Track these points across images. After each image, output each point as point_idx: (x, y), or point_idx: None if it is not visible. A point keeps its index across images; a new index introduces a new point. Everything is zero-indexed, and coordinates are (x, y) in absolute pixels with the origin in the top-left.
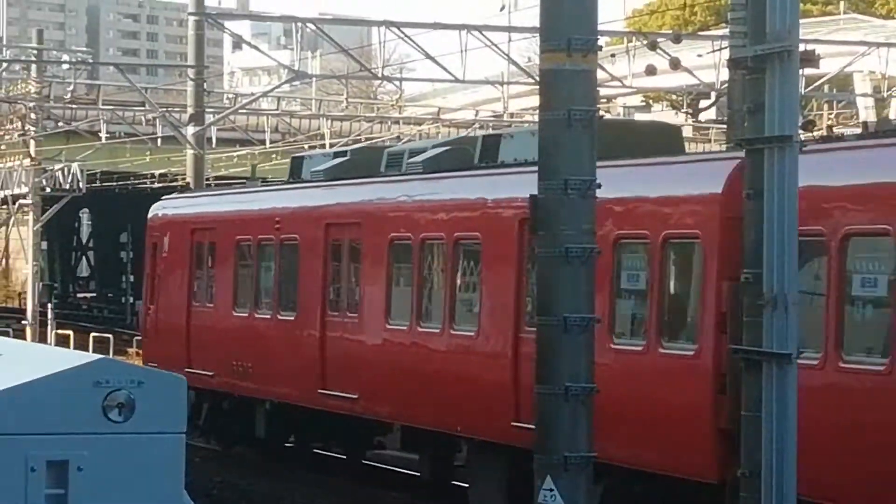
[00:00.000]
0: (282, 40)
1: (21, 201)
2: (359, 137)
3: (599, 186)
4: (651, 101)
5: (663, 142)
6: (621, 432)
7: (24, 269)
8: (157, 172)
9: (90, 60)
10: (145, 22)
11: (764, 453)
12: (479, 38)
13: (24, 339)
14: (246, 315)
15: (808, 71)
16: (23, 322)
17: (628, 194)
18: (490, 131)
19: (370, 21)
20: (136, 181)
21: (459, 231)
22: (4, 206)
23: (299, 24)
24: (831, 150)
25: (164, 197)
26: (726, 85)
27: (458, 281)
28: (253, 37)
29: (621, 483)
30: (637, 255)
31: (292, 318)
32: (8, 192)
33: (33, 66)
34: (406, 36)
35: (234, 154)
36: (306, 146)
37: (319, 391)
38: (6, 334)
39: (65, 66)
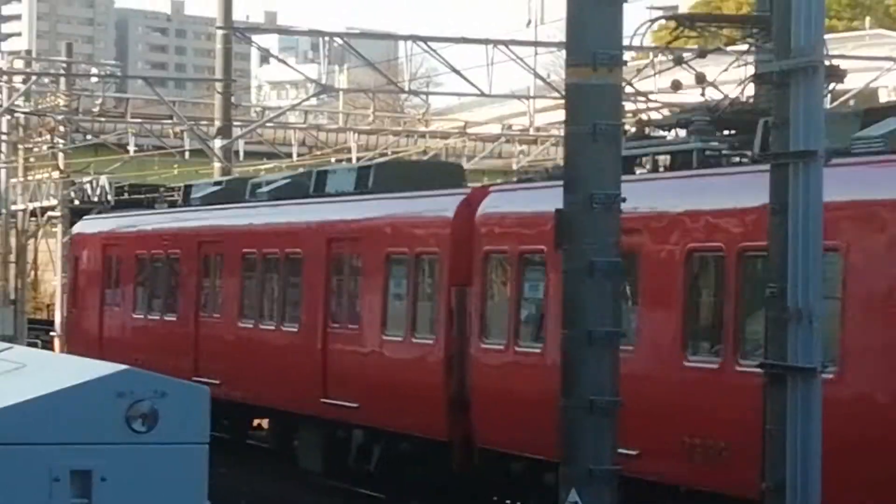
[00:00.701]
0: (309, 54)
1: (50, 213)
2: (385, 151)
3: (624, 200)
4: None
5: (446, 178)
6: None
7: (53, 281)
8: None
9: (119, 74)
10: (173, 36)
11: (788, 467)
12: (506, 52)
13: (53, 350)
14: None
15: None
16: (51, 333)
17: None
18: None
19: (397, 35)
20: (164, 194)
21: (288, 248)
22: (33, 219)
23: (326, 39)
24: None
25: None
26: (751, 99)
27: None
28: (280, 51)
29: None
30: None
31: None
32: (37, 205)
33: (62, 80)
34: (433, 50)
35: (262, 167)
36: (333, 159)
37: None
38: (35, 345)
39: (94, 80)
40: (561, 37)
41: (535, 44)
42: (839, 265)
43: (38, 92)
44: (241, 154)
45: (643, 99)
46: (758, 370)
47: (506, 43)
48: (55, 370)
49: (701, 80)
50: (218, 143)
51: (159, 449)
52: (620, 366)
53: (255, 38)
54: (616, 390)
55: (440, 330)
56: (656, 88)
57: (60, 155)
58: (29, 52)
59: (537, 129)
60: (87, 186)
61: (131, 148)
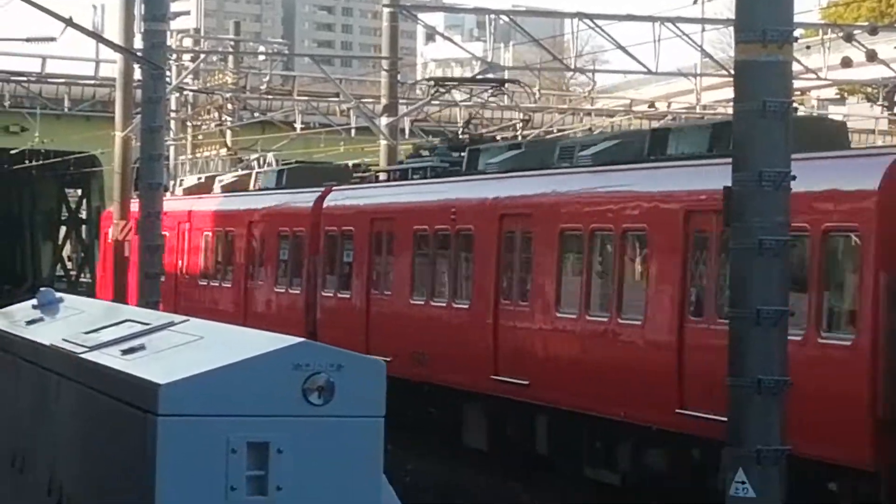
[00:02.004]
0: (475, 32)
1: None
2: (550, 129)
3: (794, 178)
4: (846, 94)
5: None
6: None
7: None
8: (350, 163)
9: (286, 52)
10: (340, 14)
11: None
12: (672, 29)
13: None
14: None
15: None
16: None
17: None
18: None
19: (563, 13)
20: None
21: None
22: None
23: (492, 16)
24: None
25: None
26: None
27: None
28: (446, 28)
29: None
30: None
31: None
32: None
33: (230, 58)
34: (599, 27)
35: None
36: (499, 137)
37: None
38: None
39: (261, 58)
40: (728, 14)
41: (703, 21)
42: None
43: (206, 70)
44: (407, 132)
45: (813, 76)
46: None
47: (673, 20)
48: (232, 342)
49: (872, 57)
50: (384, 121)
51: (335, 422)
52: None
53: (421, 15)
54: (784, 370)
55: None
56: (825, 65)
57: (228, 132)
58: (197, 30)
59: (703, 107)
60: (255, 163)
61: (298, 125)
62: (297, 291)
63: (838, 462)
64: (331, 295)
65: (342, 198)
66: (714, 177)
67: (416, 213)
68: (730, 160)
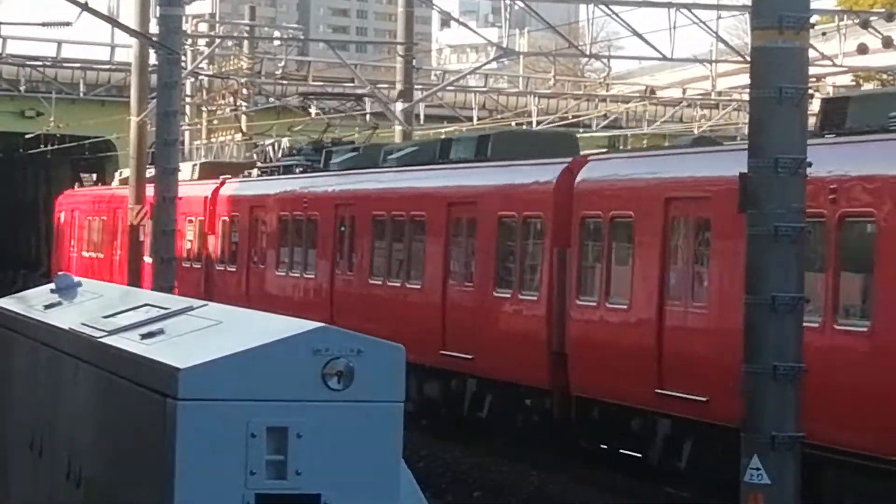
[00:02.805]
0: (490, 17)
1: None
2: (566, 115)
3: (810, 165)
4: (861, 81)
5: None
6: None
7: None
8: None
9: (301, 37)
10: None
11: None
12: (688, 15)
13: None
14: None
15: None
16: None
17: None
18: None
19: None
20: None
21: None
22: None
23: (508, 2)
24: None
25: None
26: None
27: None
28: (461, 14)
29: None
30: None
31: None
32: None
33: (245, 43)
34: (614, 13)
35: (442, 130)
36: (513, 123)
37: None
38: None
39: (276, 43)
40: (744, 0)
41: (718, 7)
42: None
43: (221, 55)
44: (422, 117)
45: (829, 63)
46: None
47: (688, 6)
48: (251, 327)
49: (888, 43)
50: (399, 107)
51: (355, 407)
52: None
53: (436, 1)
54: (800, 357)
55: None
56: (841, 52)
57: (243, 117)
58: (213, 15)
59: (719, 94)
60: (269, 149)
61: (313, 111)
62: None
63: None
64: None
65: (232, 189)
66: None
67: (280, 201)
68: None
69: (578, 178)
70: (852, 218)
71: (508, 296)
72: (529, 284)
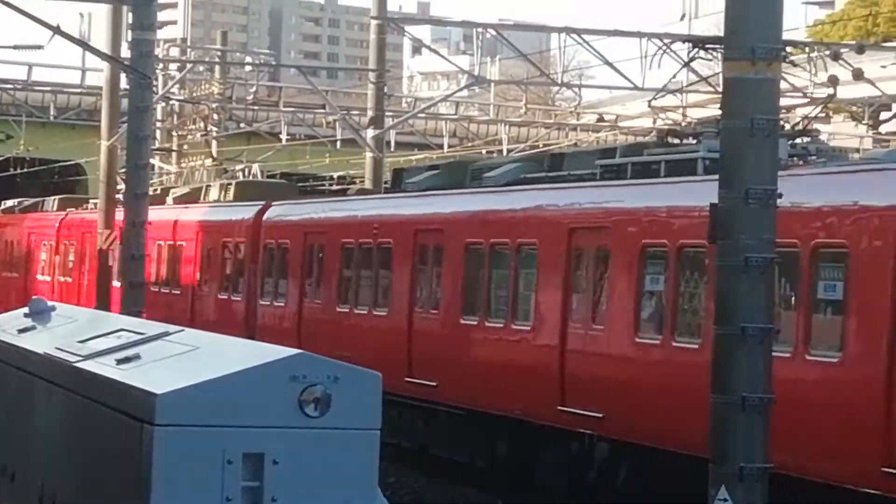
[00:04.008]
0: (461, 45)
1: None
2: (536, 143)
3: (781, 196)
4: (831, 113)
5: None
6: None
7: None
8: (336, 175)
9: (272, 63)
10: (327, 25)
11: None
12: (659, 45)
13: None
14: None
15: None
16: None
17: None
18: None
19: (550, 27)
20: (315, 183)
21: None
22: None
23: (479, 30)
24: None
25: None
26: None
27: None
28: (433, 41)
29: None
30: None
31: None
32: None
33: (217, 68)
34: (585, 42)
35: (413, 158)
36: (484, 151)
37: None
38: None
39: (247, 68)
40: (715, 31)
41: (690, 38)
42: None
43: (192, 80)
44: (393, 144)
45: (799, 94)
46: None
47: (659, 36)
48: (228, 353)
49: (858, 76)
50: (370, 133)
51: (331, 434)
52: None
53: (408, 28)
54: (769, 387)
55: None
56: (812, 84)
57: (214, 142)
58: (184, 40)
59: (689, 124)
60: (240, 174)
61: (283, 136)
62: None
63: None
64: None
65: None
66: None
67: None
68: None
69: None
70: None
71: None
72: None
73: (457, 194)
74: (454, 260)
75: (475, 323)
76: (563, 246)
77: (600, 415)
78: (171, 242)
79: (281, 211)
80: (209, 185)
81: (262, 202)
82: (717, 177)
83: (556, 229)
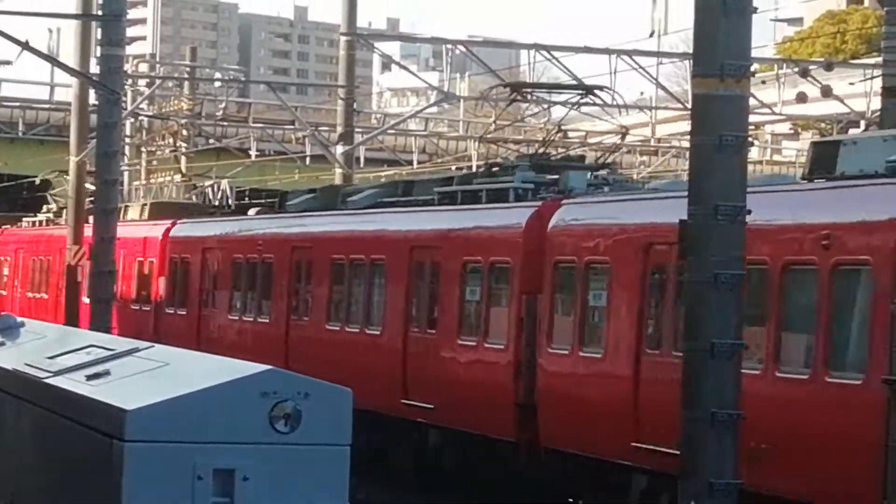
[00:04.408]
0: (430, 62)
1: None
2: (506, 159)
3: (749, 213)
4: (800, 129)
5: None
6: None
7: None
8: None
9: (242, 78)
10: (296, 41)
11: None
12: (628, 62)
13: None
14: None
15: None
16: None
17: None
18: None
19: (519, 44)
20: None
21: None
22: None
23: (448, 46)
24: None
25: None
26: (878, 114)
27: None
28: (402, 58)
29: None
30: None
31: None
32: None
33: (186, 84)
34: (555, 59)
35: (382, 174)
36: (453, 167)
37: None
38: None
39: (217, 84)
40: (684, 47)
41: (658, 54)
42: None
43: (161, 96)
44: (363, 160)
45: (768, 111)
46: None
47: (629, 53)
48: (198, 369)
49: (827, 92)
50: (339, 149)
51: (302, 449)
52: None
53: (377, 44)
54: (737, 403)
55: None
56: (780, 100)
57: (183, 158)
58: (153, 55)
59: (658, 140)
60: (209, 190)
61: (253, 152)
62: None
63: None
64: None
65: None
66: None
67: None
68: None
69: None
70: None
71: None
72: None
73: (327, 215)
74: (322, 273)
75: (337, 328)
76: (405, 261)
77: (431, 406)
78: None
79: (184, 228)
80: (128, 205)
81: (171, 220)
82: (524, 203)
83: (399, 247)
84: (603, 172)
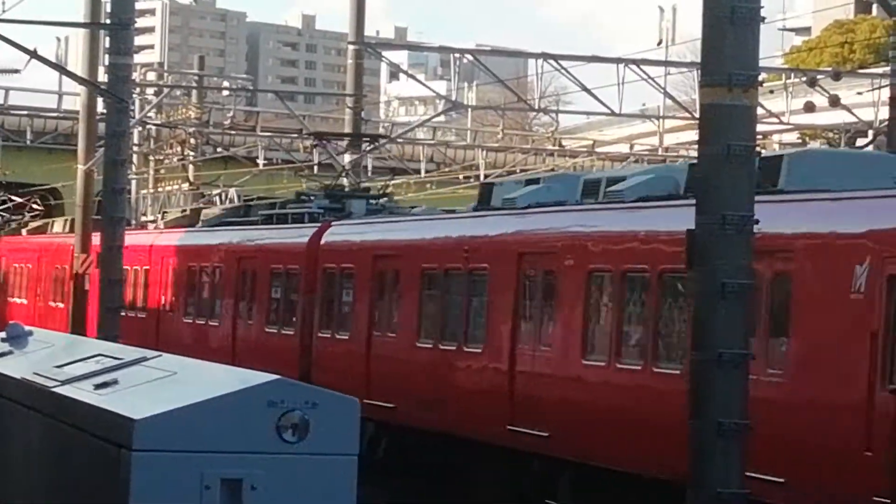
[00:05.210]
0: (438, 70)
1: None
2: (513, 169)
3: (757, 222)
4: (807, 139)
5: None
6: None
7: None
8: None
9: (249, 87)
10: (304, 50)
11: None
12: (636, 71)
13: None
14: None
15: None
16: None
17: None
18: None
19: (527, 53)
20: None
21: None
22: None
23: (456, 55)
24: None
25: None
26: (885, 123)
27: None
28: (410, 67)
29: None
30: None
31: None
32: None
33: (194, 92)
34: (563, 68)
35: (390, 183)
36: (461, 176)
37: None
38: None
39: (224, 93)
40: (692, 57)
41: (666, 63)
42: None
43: (169, 104)
44: (370, 169)
45: (776, 120)
46: None
47: (637, 62)
48: (206, 378)
49: (834, 102)
50: (347, 158)
51: (309, 459)
52: None
53: (385, 53)
54: (745, 413)
55: None
56: (788, 110)
57: (190, 167)
58: (161, 64)
59: (666, 149)
60: (217, 199)
61: (260, 161)
62: None
63: None
64: None
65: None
66: None
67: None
68: None
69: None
70: None
71: None
72: None
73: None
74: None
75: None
76: (233, 269)
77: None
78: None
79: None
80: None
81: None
82: (310, 224)
83: (230, 257)
84: (384, 200)
